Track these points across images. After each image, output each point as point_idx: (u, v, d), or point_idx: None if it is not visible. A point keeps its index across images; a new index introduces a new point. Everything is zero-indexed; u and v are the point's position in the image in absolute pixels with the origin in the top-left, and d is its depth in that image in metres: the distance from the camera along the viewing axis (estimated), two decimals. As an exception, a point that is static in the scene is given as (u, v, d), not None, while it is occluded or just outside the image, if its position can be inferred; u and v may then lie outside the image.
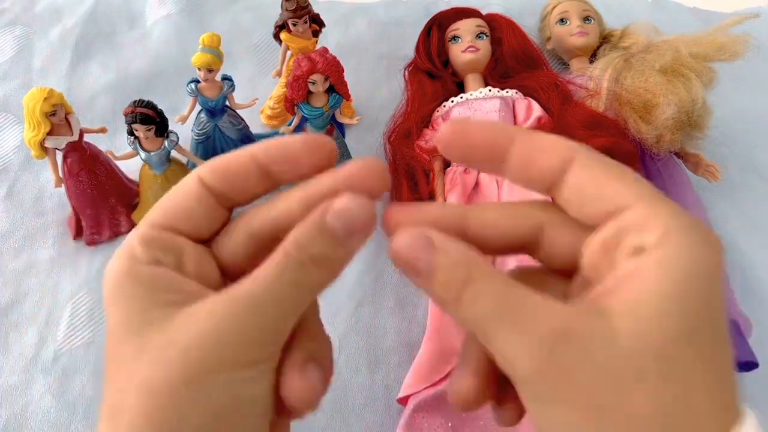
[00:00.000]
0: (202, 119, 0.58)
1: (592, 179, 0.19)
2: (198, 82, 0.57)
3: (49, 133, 0.52)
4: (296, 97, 0.55)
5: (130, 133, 0.53)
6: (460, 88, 0.65)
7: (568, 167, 0.19)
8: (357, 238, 0.19)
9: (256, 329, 0.18)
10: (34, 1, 0.82)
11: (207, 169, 0.21)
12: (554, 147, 0.19)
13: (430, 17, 0.67)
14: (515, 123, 0.60)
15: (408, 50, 0.68)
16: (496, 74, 0.64)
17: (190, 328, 0.18)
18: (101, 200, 0.57)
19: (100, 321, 0.52)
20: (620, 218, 0.18)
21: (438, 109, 0.62)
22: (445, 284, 0.18)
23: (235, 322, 0.18)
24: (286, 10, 0.61)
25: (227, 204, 0.21)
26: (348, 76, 0.56)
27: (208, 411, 0.17)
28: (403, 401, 0.45)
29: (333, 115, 0.57)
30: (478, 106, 0.60)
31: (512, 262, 0.52)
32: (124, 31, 0.78)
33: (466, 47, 0.63)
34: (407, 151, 0.58)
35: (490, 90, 0.61)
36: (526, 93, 0.62)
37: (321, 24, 0.64)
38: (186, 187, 0.21)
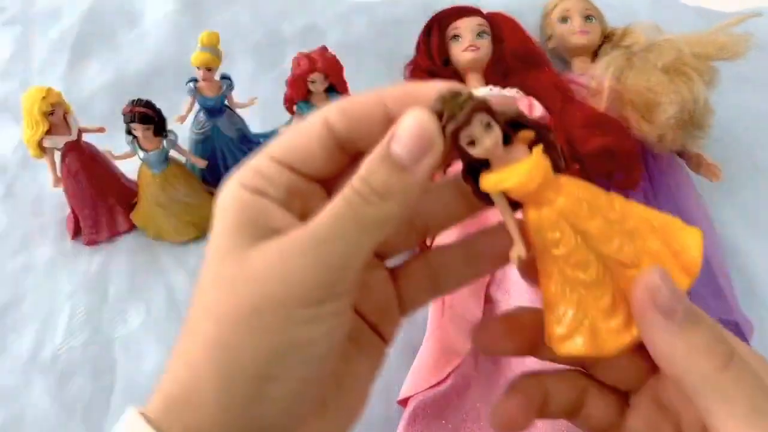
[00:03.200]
0: (200, 119, 0.58)
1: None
2: (197, 81, 0.56)
3: (48, 133, 0.52)
4: (296, 96, 0.54)
5: (129, 132, 0.52)
6: (461, 87, 0.64)
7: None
8: (423, 161, 0.18)
9: (320, 267, 0.18)
10: (32, 0, 0.82)
11: (334, 110, 0.20)
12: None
13: (431, 16, 0.67)
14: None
15: (408, 49, 0.68)
16: (497, 73, 0.64)
17: (259, 263, 0.18)
18: (100, 200, 0.56)
19: (98, 321, 0.52)
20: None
21: (438, 108, 0.62)
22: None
23: (299, 260, 0.18)
24: None
25: (350, 149, 0.20)
26: (348, 76, 0.55)
27: (266, 345, 0.18)
28: (403, 403, 0.45)
29: (333, 115, 0.57)
30: (478, 106, 0.59)
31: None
32: (123, 30, 0.78)
33: (467, 46, 0.63)
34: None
35: (491, 89, 0.60)
36: (528, 92, 0.61)
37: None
38: (310, 127, 0.20)
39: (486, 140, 0.19)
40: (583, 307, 0.20)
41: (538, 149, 0.19)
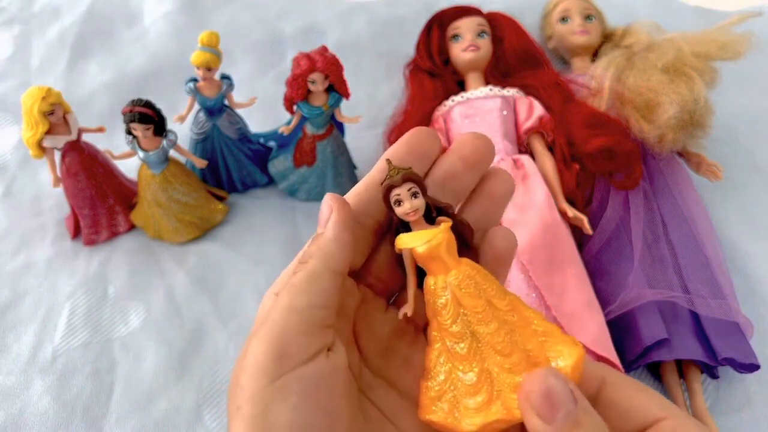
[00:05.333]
0: (200, 118, 0.58)
1: (624, 395, 0.22)
2: (196, 81, 0.56)
3: (48, 133, 0.52)
4: (295, 96, 0.54)
5: (129, 132, 0.52)
6: (461, 86, 0.64)
7: (602, 386, 0.22)
8: (330, 220, 0.22)
9: (304, 327, 0.21)
10: (32, 0, 0.81)
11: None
12: (588, 370, 0.22)
13: (431, 15, 0.67)
14: (517, 122, 0.60)
15: (408, 48, 0.68)
16: (497, 73, 0.64)
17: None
18: (99, 200, 0.56)
19: (98, 321, 0.52)
20: (658, 428, 0.21)
21: (438, 108, 0.62)
22: None
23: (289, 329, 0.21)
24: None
25: (357, 264, 0.24)
26: (348, 76, 0.55)
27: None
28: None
29: (333, 114, 0.57)
30: (479, 106, 0.59)
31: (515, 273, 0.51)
32: (123, 29, 0.78)
33: (467, 46, 0.63)
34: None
35: (491, 89, 0.60)
36: (528, 92, 0.61)
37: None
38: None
39: (407, 204, 0.23)
40: (451, 378, 0.23)
41: (447, 225, 0.23)
